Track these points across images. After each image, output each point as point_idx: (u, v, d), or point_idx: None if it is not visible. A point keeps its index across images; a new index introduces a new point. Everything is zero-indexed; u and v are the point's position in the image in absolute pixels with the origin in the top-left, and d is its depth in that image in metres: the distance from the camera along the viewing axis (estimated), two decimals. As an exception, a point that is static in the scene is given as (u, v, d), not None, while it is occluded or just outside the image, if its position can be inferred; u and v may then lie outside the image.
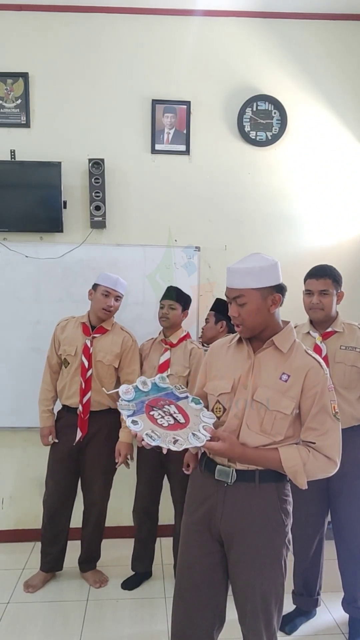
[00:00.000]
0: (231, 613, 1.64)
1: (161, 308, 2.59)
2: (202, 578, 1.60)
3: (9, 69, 2.90)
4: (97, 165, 2.88)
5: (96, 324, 2.57)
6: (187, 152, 3.02)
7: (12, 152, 2.93)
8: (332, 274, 2.21)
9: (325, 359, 2.16)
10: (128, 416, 1.51)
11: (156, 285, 2.99)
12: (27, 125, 2.94)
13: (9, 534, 3.09)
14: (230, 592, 1.64)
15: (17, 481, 3.10)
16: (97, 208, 2.91)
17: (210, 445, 1.49)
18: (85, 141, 2.95)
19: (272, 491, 1.55)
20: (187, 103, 2.98)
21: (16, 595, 2.56)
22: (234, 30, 2.97)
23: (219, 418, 1.60)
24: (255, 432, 1.54)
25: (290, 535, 1.59)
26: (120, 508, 3.04)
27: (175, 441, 1.46)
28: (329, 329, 2.22)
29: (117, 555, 2.88)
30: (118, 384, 2.59)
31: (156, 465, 2.55)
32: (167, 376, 2.45)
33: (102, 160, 2.88)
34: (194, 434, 1.50)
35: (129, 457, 2.54)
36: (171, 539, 2.72)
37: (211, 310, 2.60)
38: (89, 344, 2.51)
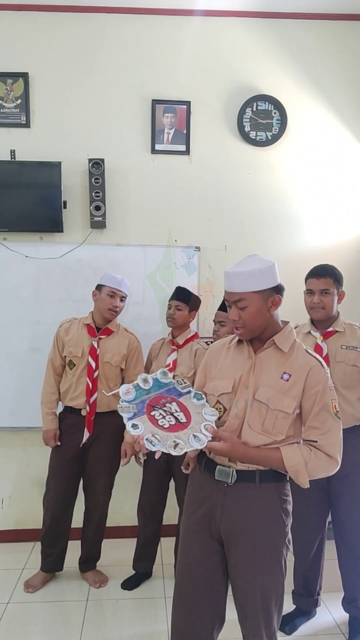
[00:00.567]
0: (231, 613, 1.64)
1: (168, 308, 2.58)
2: (202, 578, 1.60)
3: (9, 69, 2.90)
4: (97, 165, 2.88)
5: (101, 325, 2.56)
6: (187, 152, 3.02)
7: (12, 152, 2.93)
8: (333, 273, 2.22)
9: (326, 358, 2.16)
10: (128, 419, 1.50)
11: (156, 285, 2.99)
12: (27, 125, 2.94)
13: (9, 534, 3.09)
14: (230, 592, 1.64)
15: (17, 481, 3.10)
16: (97, 208, 2.91)
17: (212, 446, 1.49)
18: (85, 141, 2.96)
19: (272, 491, 1.55)
20: (187, 103, 2.98)
21: (16, 595, 2.56)
22: (234, 30, 2.97)
23: (219, 418, 1.60)
24: (257, 431, 1.54)
25: (290, 535, 1.59)
26: (121, 508, 3.04)
27: (176, 445, 1.45)
28: (330, 329, 2.22)
29: (117, 555, 2.88)
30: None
31: (162, 464, 2.55)
32: (173, 377, 2.47)
33: (102, 160, 2.88)
34: (194, 436, 1.49)
35: (141, 455, 2.54)
36: (170, 538, 2.72)
37: (220, 310, 2.54)
38: (95, 345, 2.50)
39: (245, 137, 3.02)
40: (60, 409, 2.62)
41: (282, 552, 1.56)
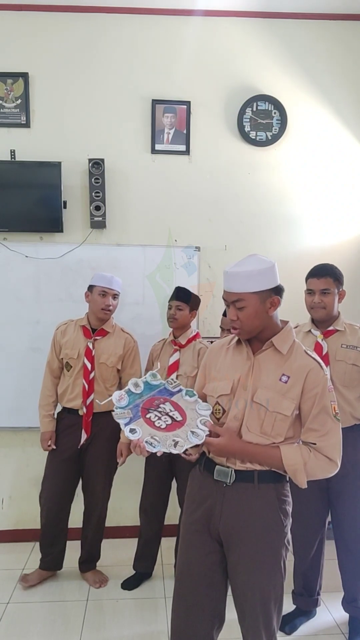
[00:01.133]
0: (231, 612, 1.64)
1: (169, 309, 2.57)
2: (202, 578, 1.60)
3: (9, 69, 2.90)
4: (97, 165, 2.88)
5: (96, 326, 2.57)
6: (187, 152, 3.02)
7: (12, 152, 2.93)
8: (334, 272, 2.21)
9: (326, 356, 2.16)
10: (125, 425, 1.50)
11: (156, 285, 2.99)
12: (27, 125, 2.94)
13: (9, 534, 3.09)
14: (230, 592, 1.64)
15: (16, 481, 3.10)
16: (97, 208, 2.91)
17: (210, 441, 1.49)
18: (85, 141, 2.96)
19: (271, 491, 1.55)
20: (187, 103, 2.98)
21: (16, 595, 2.56)
22: (234, 30, 2.97)
23: (218, 419, 1.60)
24: (256, 433, 1.53)
25: (289, 536, 1.58)
26: (121, 508, 3.04)
27: (176, 443, 1.47)
28: (331, 328, 2.22)
29: (117, 555, 2.88)
30: (120, 385, 2.60)
31: (165, 465, 2.55)
32: (177, 377, 2.47)
33: (102, 160, 2.88)
34: (192, 432, 1.50)
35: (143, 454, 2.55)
36: (170, 538, 2.72)
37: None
38: (91, 347, 2.51)
39: (245, 137, 3.02)
40: (59, 409, 2.63)
41: (281, 553, 1.55)
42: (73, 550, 2.70)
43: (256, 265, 1.51)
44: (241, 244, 3.06)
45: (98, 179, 2.88)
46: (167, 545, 2.84)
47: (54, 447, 2.55)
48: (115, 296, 2.54)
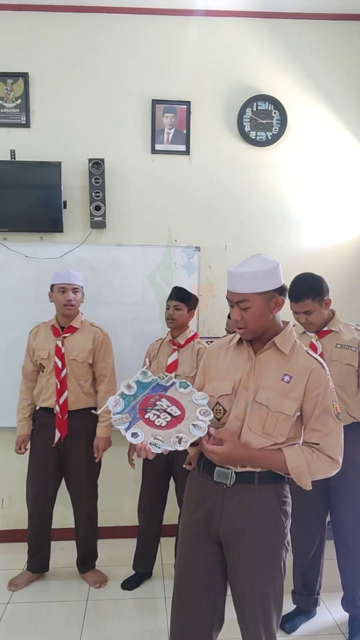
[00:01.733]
0: (231, 613, 1.63)
1: (167, 309, 2.58)
2: (201, 579, 1.60)
3: (9, 69, 2.90)
4: (97, 165, 2.88)
5: (65, 324, 2.58)
6: (187, 152, 3.02)
7: (12, 152, 2.93)
8: (311, 292, 2.12)
9: (321, 357, 2.15)
10: (126, 430, 1.49)
11: (156, 285, 2.99)
12: (27, 125, 2.94)
13: (9, 534, 3.08)
14: (229, 593, 1.64)
15: (16, 481, 3.09)
16: (97, 208, 2.91)
17: (214, 449, 1.47)
18: (85, 141, 2.95)
19: (271, 492, 1.55)
20: (187, 103, 2.97)
21: (16, 595, 2.56)
22: (234, 30, 2.97)
23: (219, 420, 1.60)
24: (257, 433, 1.53)
25: (289, 537, 1.58)
26: (120, 508, 3.04)
27: (180, 439, 1.46)
28: (325, 328, 2.22)
29: (117, 555, 2.88)
30: (95, 380, 2.62)
31: (162, 464, 2.55)
32: (175, 376, 2.47)
33: (102, 160, 2.88)
34: (194, 425, 1.49)
35: (134, 457, 2.56)
36: (170, 538, 2.72)
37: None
38: (60, 345, 2.53)
39: (245, 137, 3.02)
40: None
41: (281, 554, 1.55)
42: (73, 551, 2.71)
43: (261, 266, 1.51)
44: (241, 244, 3.06)
45: (98, 179, 2.88)
46: (167, 545, 2.84)
47: (27, 448, 2.59)
48: (75, 290, 2.54)
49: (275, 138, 3.03)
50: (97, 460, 2.56)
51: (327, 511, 2.33)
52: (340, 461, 1.53)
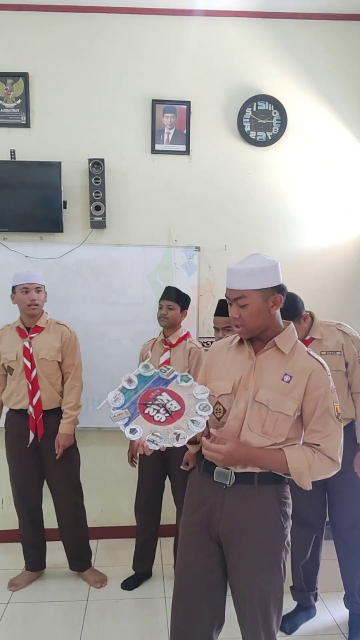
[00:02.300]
0: (232, 613, 1.64)
1: (160, 308, 2.59)
2: (201, 579, 1.60)
3: (9, 69, 2.90)
4: (97, 165, 2.87)
5: (30, 324, 2.56)
6: (187, 152, 3.02)
7: (12, 152, 2.92)
8: (290, 318, 2.03)
9: None
10: (125, 426, 1.48)
11: (156, 285, 2.99)
12: (27, 125, 2.94)
13: (9, 534, 3.08)
14: (229, 593, 1.64)
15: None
16: (97, 208, 2.91)
17: (217, 449, 1.47)
18: (85, 141, 2.95)
19: (271, 493, 1.55)
20: (187, 103, 2.97)
21: (16, 595, 2.57)
22: (234, 30, 2.97)
23: (219, 419, 1.60)
24: (257, 433, 1.53)
25: (289, 538, 1.58)
26: (120, 508, 3.04)
27: (178, 436, 1.45)
28: (307, 337, 2.22)
29: (116, 555, 2.89)
30: (63, 379, 2.60)
31: (158, 463, 2.55)
32: None
33: (102, 160, 2.88)
34: (192, 421, 1.48)
35: (135, 457, 2.55)
36: (169, 538, 2.72)
37: (217, 316, 2.48)
38: (27, 345, 2.51)
39: (245, 137, 3.02)
40: (7, 410, 2.63)
41: (281, 555, 1.55)
42: (73, 550, 2.71)
43: (259, 263, 1.51)
44: (241, 244, 3.06)
45: (98, 179, 2.88)
46: (167, 545, 2.84)
47: None
48: (38, 290, 2.53)
49: (275, 138, 3.03)
50: (57, 456, 2.51)
51: (325, 507, 2.35)
52: (340, 462, 1.53)
